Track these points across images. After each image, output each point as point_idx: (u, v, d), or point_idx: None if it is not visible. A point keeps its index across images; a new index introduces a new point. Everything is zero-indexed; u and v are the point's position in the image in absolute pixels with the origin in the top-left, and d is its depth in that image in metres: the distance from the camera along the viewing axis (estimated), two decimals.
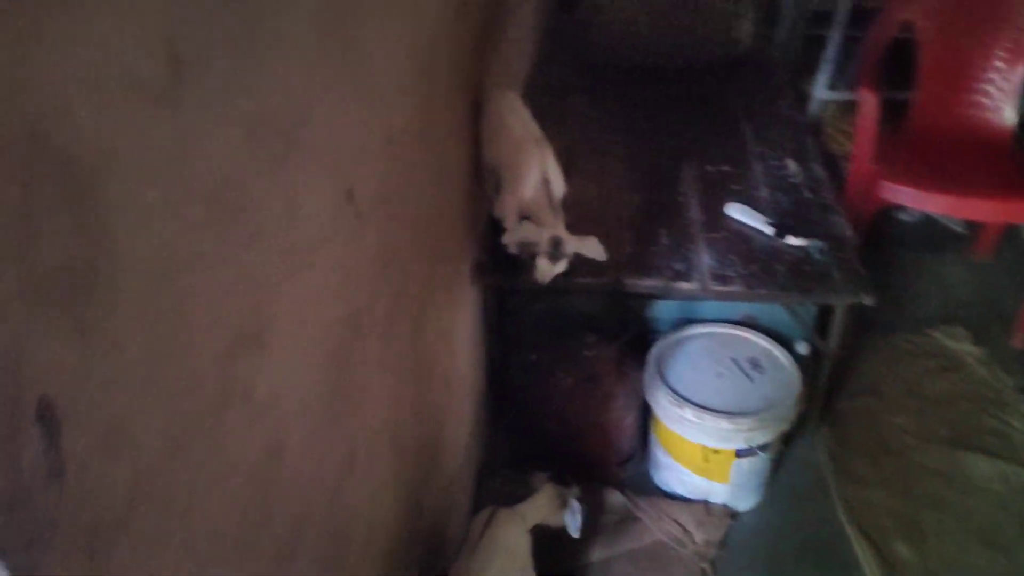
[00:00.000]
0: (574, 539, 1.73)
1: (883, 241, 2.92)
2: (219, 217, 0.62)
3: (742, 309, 2.09)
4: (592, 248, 1.61)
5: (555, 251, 1.57)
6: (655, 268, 1.85)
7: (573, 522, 1.65)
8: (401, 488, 1.28)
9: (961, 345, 2.40)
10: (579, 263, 1.82)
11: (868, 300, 1.75)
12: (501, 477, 1.96)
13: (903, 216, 3.04)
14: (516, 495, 1.66)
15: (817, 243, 1.90)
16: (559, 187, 1.63)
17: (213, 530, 0.64)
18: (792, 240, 1.91)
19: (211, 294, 0.62)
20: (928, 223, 3.01)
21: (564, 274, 1.78)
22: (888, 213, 3.02)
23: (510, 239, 1.63)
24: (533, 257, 1.60)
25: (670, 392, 1.82)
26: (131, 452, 0.52)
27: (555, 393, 1.92)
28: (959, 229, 2.94)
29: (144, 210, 0.52)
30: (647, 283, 1.81)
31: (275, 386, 0.75)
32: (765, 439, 1.80)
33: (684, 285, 1.79)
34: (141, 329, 0.52)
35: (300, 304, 0.81)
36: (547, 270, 1.60)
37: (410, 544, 1.34)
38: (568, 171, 2.27)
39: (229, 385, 0.65)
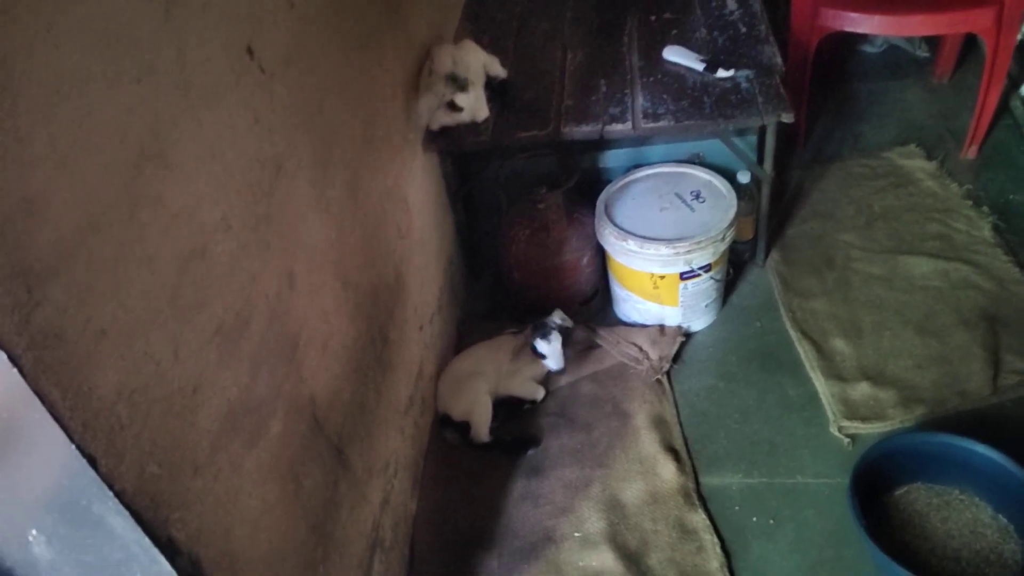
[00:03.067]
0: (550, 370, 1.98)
1: (847, 74, 2.98)
2: (107, 50, 0.79)
3: (689, 149, 2.22)
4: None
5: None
6: (592, 116, 1.98)
7: (550, 351, 1.92)
8: (359, 317, 1.48)
9: (913, 162, 2.50)
10: (521, 122, 1.99)
11: (787, 118, 1.86)
12: (480, 327, 2.18)
13: (867, 48, 3.07)
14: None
15: (745, 72, 2.00)
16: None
17: (144, 297, 0.84)
18: (722, 73, 2.01)
19: (108, 114, 0.79)
20: (891, 52, 3.04)
21: (507, 132, 1.94)
22: (853, 47, 3.06)
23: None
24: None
25: (615, 228, 1.98)
26: (53, 221, 0.71)
27: (514, 245, 2.10)
28: (923, 54, 2.97)
29: (32, 35, 0.69)
30: (584, 129, 1.94)
31: (188, 200, 0.94)
32: (705, 260, 1.96)
33: (618, 127, 1.93)
34: (45, 129, 0.70)
35: (207, 136, 0.98)
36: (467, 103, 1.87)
37: (376, 365, 1.56)
38: (519, 35, 2.39)
39: (138, 190, 0.84)
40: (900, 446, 1.66)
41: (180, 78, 0.92)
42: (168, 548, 0.85)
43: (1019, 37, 2.67)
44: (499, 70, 2.01)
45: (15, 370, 0.66)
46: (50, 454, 0.75)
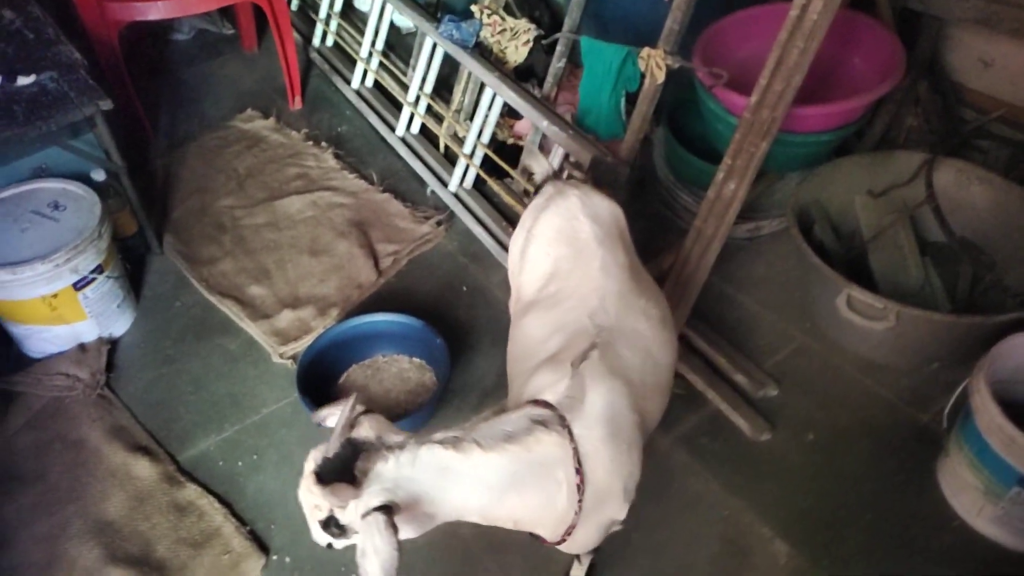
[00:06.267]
0: None
1: (171, 63, 3.13)
2: None
3: (30, 165, 2.09)
4: None
5: None
6: None
7: None
8: None
9: (255, 123, 2.81)
10: None
11: (106, 105, 1.91)
12: None
13: (178, 36, 3.25)
14: None
15: (48, 74, 1.96)
16: None
17: None
18: (23, 80, 1.94)
19: None
20: (201, 35, 3.28)
21: None
22: (165, 37, 3.21)
23: None
24: None
25: None
26: None
27: None
28: (228, 31, 3.28)
29: None
30: None
31: None
32: (93, 262, 1.93)
33: None
34: None
35: None
36: None
37: None
38: None
39: None
40: (324, 344, 1.96)
41: None
42: None
43: (293, 5, 3.18)
44: None
45: None
46: None
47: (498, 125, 2.40)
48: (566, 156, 2.09)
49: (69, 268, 1.87)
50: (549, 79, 2.32)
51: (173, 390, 1.98)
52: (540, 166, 1.76)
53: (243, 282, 2.25)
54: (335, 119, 2.88)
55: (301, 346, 2.07)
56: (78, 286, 1.92)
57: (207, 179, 2.59)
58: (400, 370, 2.04)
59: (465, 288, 2.26)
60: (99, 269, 1.96)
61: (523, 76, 2.46)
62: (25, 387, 1.92)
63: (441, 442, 1.00)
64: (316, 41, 3.05)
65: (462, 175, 2.46)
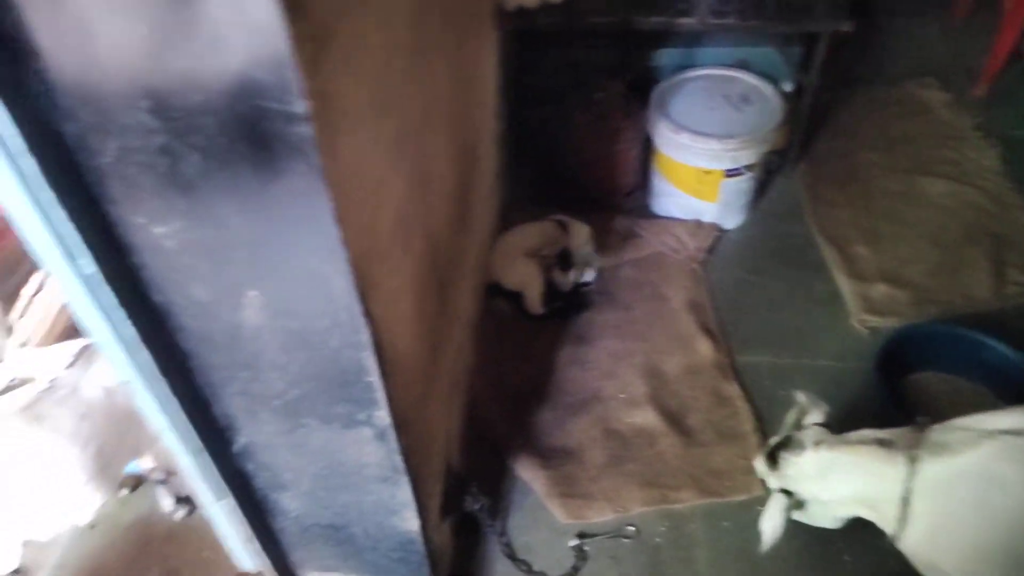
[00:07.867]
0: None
1: (872, 8, 3.09)
2: None
3: (736, 55, 2.31)
4: None
5: None
6: (660, 8, 2.05)
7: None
8: (456, 171, 1.56)
9: (930, 93, 2.65)
10: (593, 8, 2.04)
11: (847, 27, 1.96)
12: (525, 210, 2.27)
13: None
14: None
15: None
16: None
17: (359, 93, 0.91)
18: None
19: None
20: None
21: (580, 16, 2.00)
22: None
23: None
24: None
25: (670, 122, 2.09)
26: None
27: (571, 131, 2.18)
28: None
29: None
30: (653, 20, 2.02)
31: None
32: (749, 160, 2.09)
33: (685, 20, 2.01)
34: None
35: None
36: None
37: (461, 221, 1.66)
38: None
39: None
40: (917, 334, 1.85)
41: None
42: (368, 318, 0.94)
43: None
44: None
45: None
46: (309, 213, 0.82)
47: None
48: None
49: (731, 156, 2.06)
50: None
51: (751, 298, 2.10)
52: None
53: (853, 236, 2.22)
54: (1017, 121, 2.56)
55: (884, 323, 1.99)
56: (728, 174, 2.10)
57: (860, 127, 2.56)
58: (980, 405, 1.82)
59: None
60: (749, 167, 2.11)
61: None
62: (645, 232, 2.23)
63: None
64: None
65: None
